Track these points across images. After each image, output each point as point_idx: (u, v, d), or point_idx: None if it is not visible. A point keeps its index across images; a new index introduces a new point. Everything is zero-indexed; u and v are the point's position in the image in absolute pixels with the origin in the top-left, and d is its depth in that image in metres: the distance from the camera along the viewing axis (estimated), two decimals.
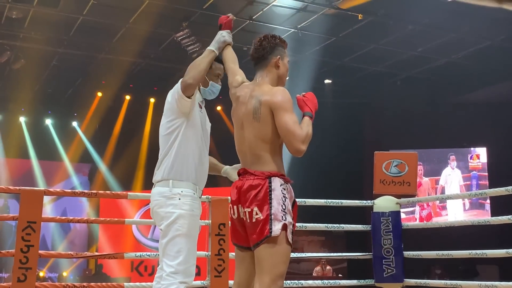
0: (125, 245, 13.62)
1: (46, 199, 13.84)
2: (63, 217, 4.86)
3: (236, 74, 3.33)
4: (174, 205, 3.13)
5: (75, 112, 14.84)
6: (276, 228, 2.82)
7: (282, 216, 2.85)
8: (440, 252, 5.38)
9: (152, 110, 14.12)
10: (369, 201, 5.84)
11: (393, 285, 5.63)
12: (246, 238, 2.92)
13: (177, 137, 3.22)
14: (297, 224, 5.18)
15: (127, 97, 14.32)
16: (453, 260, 6.26)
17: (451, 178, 13.12)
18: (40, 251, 4.53)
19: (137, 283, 4.88)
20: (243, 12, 10.13)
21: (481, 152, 13.20)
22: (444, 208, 12.77)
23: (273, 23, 10.52)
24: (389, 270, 5.57)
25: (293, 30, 10.72)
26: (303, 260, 12.64)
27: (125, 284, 4.85)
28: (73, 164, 14.91)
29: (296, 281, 5.72)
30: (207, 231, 5.12)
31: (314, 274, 11.75)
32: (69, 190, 4.92)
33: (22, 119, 14.50)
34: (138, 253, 5.15)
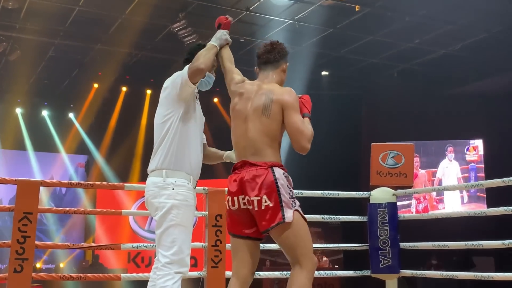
0: (122, 236, 13.65)
1: (43, 191, 13.91)
2: (60, 208, 4.85)
3: (234, 73, 3.50)
4: (168, 195, 3.14)
5: (71, 103, 14.80)
6: (289, 215, 3.01)
7: (291, 203, 3.06)
8: (437, 243, 5.39)
9: (149, 102, 14.10)
10: (365, 192, 5.85)
11: (389, 276, 5.65)
12: (244, 227, 3.06)
13: (172, 127, 3.21)
14: None
15: (124, 89, 14.30)
16: (449, 252, 6.31)
17: (449, 170, 13.10)
18: (36, 242, 4.53)
19: (134, 274, 4.89)
20: (240, 3, 10.11)
21: (478, 144, 13.21)
22: (441, 201, 12.75)
23: (270, 14, 10.50)
24: (385, 261, 5.59)
25: (290, 21, 10.69)
26: None
27: (122, 275, 4.86)
28: (69, 156, 14.90)
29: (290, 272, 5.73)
30: (204, 222, 5.13)
31: None
32: (66, 181, 4.91)
33: (18, 111, 14.46)
34: (135, 244, 5.16)
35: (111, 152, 14.50)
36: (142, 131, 14.35)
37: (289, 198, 3.05)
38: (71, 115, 14.95)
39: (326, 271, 5.98)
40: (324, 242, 12.34)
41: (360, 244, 5.90)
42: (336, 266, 11.86)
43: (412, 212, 12.77)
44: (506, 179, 4.59)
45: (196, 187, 3.39)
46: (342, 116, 13.40)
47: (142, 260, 13.46)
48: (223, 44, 3.51)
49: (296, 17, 10.55)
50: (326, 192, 5.74)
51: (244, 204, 3.01)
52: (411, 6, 9.99)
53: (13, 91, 13.55)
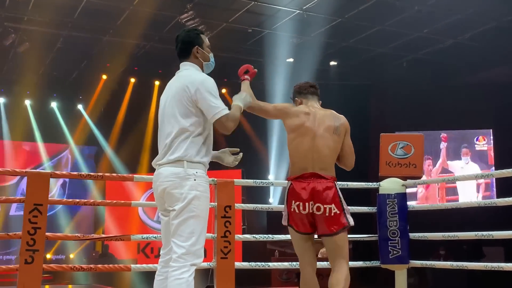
0: (131, 227, 13.72)
1: (52, 182, 13.97)
2: (70, 200, 4.87)
3: (271, 104, 4.04)
4: (190, 186, 3.11)
5: (80, 95, 14.85)
6: (351, 219, 3.74)
7: (348, 210, 3.75)
8: (446, 234, 5.38)
9: (157, 93, 14.10)
10: (375, 183, 5.83)
11: (399, 266, 5.64)
12: (310, 227, 3.66)
13: (196, 121, 3.19)
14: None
15: (132, 80, 14.32)
16: (458, 242, 6.29)
17: (464, 172, 12.80)
18: (47, 233, 4.55)
19: (144, 265, 4.91)
20: None
21: (487, 134, 13.13)
22: (455, 193, 12.65)
23: (278, 4, 10.45)
24: (394, 252, 5.58)
25: (298, 11, 10.64)
26: None
27: (132, 266, 4.88)
28: (78, 147, 14.96)
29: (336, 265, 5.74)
30: (213, 213, 5.14)
31: (319, 256, 11.76)
32: (75, 173, 4.93)
33: (27, 102, 14.52)
34: (145, 235, 5.18)
35: (120, 143, 14.55)
36: (151, 122, 14.37)
37: (346, 206, 3.71)
38: (80, 107, 14.99)
39: None
40: None
41: (369, 235, 5.89)
42: None
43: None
44: None
45: None
46: (350, 106, 13.25)
47: (152, 251, 13.53)
48: (247, 105, 3.59)
49: (304, 7, 10.49)
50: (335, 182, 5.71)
51: (314, 209, 3.57)
52: None
53: (22, 83, 13.59)
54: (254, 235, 5.60)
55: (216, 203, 5.08)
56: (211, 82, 3.26)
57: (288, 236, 5.99)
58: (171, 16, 10.86)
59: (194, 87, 3.18)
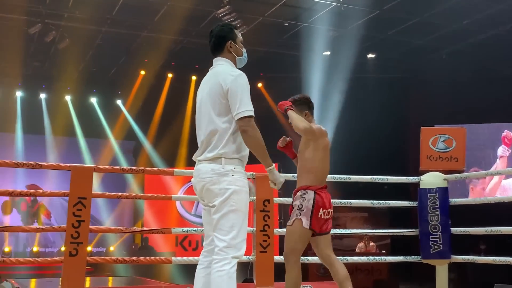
0: (170, 220, 13.88)
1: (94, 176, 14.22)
2: (113, 193, 4.95)
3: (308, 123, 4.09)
4: (229, 182, 3.16)
5: (119, 90, 15.07)
6: None
7: None
8: (489, 228, 5.28)
9: (194, 88, 14.20)
10: (415, 177, 5.76)
11: (440, 262, 5.57)
12: (322, 228, 4.06)
13: (229, 117, 3.20)
14: (342, 201, 5.34)
15: (169, 75, 14.45)
16: (498, 237, 6.16)
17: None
18: (90, 226, 4.63)
19: (184, 258, 4.96)
20: None
21: None
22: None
23: None
24: (436, 247, 5.51)
25: (335, 3, 10.55)
26: (346, 236, 12.63)
27: (173, 258, 4.94)
28: (118, 142, 15.19)
29: (341, 257, 5.72)
30: (252, 207, 5.15)
31: (357, 250, 11.72)
32: (118, 167, 5.00)
33: (68, 98, 14.81)
34: (185, 229, 5.23)
35: (158, 138, 14.73)
36: (188, 117, 14.49)
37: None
38: (118, 102, 15.22)
39: (375, 257, 5.94)
40: (371, 227, 12.26)
41: (410, 230, 5.83)
42: (383, 251, 11.76)
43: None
44: None
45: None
46: (390, 99, 13.19)
47: (189, 244, 13.67)
48: (275, 177, 3.45)
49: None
50: (375, 177, 5.66)
51: (330, 214, 4.11)
52: None
53: (62, 79, 13.87)
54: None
55: (255, 197, 5.09)
56: (243, 79, 3.25)
57: (346, 230, 5.99)
58: (208, 11, 10.91)
59: (227, 83, 3.20)
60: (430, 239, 5.53)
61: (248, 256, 5.02)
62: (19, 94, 14.46)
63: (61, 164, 4.74)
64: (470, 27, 11.37)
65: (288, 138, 4.27)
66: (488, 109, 12.62)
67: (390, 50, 12.90)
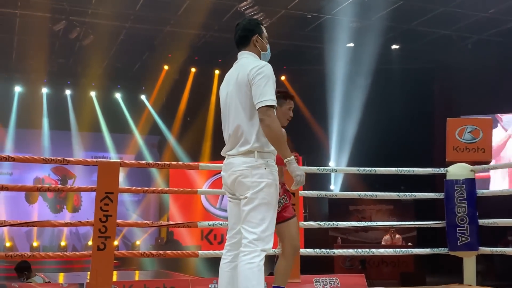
0: (195, 214, 13.95)
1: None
2: (139, 188, 5.00)
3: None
4: (261, 174, 3.16)
5: (143, 85, 15.17)
6: None
7: None
8: None
9: (217, 82, 14.23)
10: (442, 168, 5.70)
11: (468, 253, 5.51)
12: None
13: None
14: (367, 193, 5.28)
15: (193, 70, 14.49)
16: None
17: None
18: (118, 221, 4.68)
19: (211, 251, 4.98)
20: None
21: None
22: None
23: None
24: (463, 239, 5.45)
25: None
26: (371, 229, 12.58)
27: (200, 252, 4.97)
28: (142, 137, 15.30)
29: (367, 249, 5.70)
30: None
31: (383, 243, 11.67)
32: (144, 162, 5.04)
33: (92, 94, 14.96)
34: (211, 222, 5.26)
35: (182, 132, 14.81)
36: (212, 111, 14.53)
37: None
38: (143, 97, 15.33)
39: (402, 249, 5.91)
40: (396, 220, 12.19)
41: (437, 222, 5.77)
42: (409, 244, 11.69)
43: None
44: None
45: None
46: (414, 91, 13.07)
47: (215, 237, 13.74)
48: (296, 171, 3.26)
49: None
50: (400, 169, 5.62)
51: None
52: None
53: (87, 75, 14.01)
54: (319, 222, 5.58)
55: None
56: (268, 69, 3.23)
57: (350, 223, 5.96)
58: (230, 5, 10.90)
59: (253, 73, 3.19)
60: (458, 231, 5.47)
61: (274, 249, 5.02)
62: (45, 90, 14.65)
63: (88, 160, 4.79)
64: (495, 16, 11.20)
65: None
66: None
67: (414, 41, 12.76)
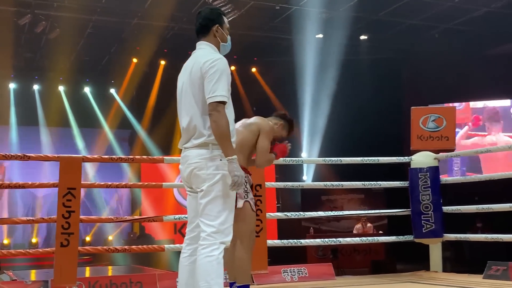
0: (167, 208, 13.87)
1: (89, 166, 14.25)
2: (102, 183, 4.95)
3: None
4: (216, 166, 3.12)
5: (112, 79, 15.00)
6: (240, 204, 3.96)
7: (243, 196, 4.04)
8: (480, 206, 5.30)
9: None
10: (406, 157, 5.76)
11: (433, 240, 5.59)
12: None
13: None
14: (334, 183, 5.31)
15: (162, 62, 14.38)
16: (496, 214, 6.14)
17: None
18: (81, 217, 4.63)
19: (178, 245, 4.97)
20: None
21: None
22: None
23: None
24: (428, 226, 5.53)
25: None
26: (343, 218, 12.68)
27: (166, 246, 4.95)
28: (112, 131, 15.15)
29: (334, 239, 5.74)
30: None
31: (354, 232, 11.77)
32: (107, 156, 4.99)
33: (61, 88, 14.75)
34: (177, 216, 5.24)
35: (153, 126, 14.69)
36: None
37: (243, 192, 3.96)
38: (112, 91, 15.16)
39: (368, 237, 5.96)
40: (367, 208, 12.29)
41: (402, 210, 5.84)
42: (380, 232, 11.80)
43: None
44: None
45: None
46: (383, 81, 13.16)
47: None
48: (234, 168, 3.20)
49: None
50: (365, 158, 5.67)
51: None
52: None
53: (55, 69, 13.80)
54: (286, 213, 5.60)
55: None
56: (223, 63, 3.19)
57: (321, 213, 5.97)
58: None
59: (206, 67, 3.16)
60: (422, 219, 5.55)
61: None
62: (12, 86, 14.40)
63: (49, 155, 4.73)
64: (462, 5, 11.31)
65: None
66: (482, 87, 12.60)
67: (382, 31, 12.84)
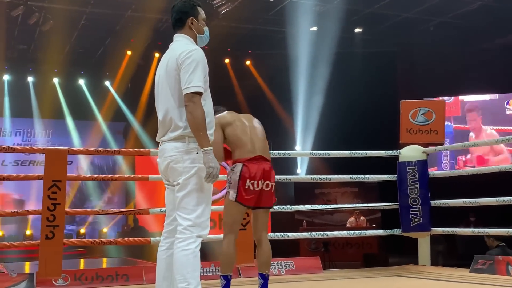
0: (161, 200, 13.82)
1: (83, 158, 14.24)
2: (88, 175, 4.94)
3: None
4: (193, 159, 3.10)
5: (106, 71, 14.95)
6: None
7: None
8: (468, 200, 5.29)
9: None
10: (394, 151, 5.75)
11: (421, 234, 5.59)
12: (255, 203, 3.87)
13: None
14: (321, 176, 5.32)
15: (156, 55, 14.31)
16: (489, 208, 6.14)
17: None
18: (66, 209, 4.62)
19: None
20: None
21: None
22: None
23: None
24: (416, 219, 5.53)
25: None
26: (337, 211, 12.69)
27: (152, 239, 4.94)
28: (107, 123, 15.12)
29: (321, 232, 5.74)
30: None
31: (347, 225, 11.78)
32: (92, 149, 4.97)
33: (55, 80, 14.71)
34: (163, 209, 5.21)
35: (147, 118, 14.64)
36: None
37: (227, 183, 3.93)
38: (107, 83, 15.12)
39: (356, 231, 5.96)
40: (360, 202, 12.30)
41: (390, 203, 5.84)
42: (373, 226, 11.82)
43: None
44: None
45: None
46: (377, 74, 13.13)
47: None
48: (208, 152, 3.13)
49: None
50: (353, 152, 5.66)
51: (263, 186, 3.87)
52: None
53: (49, 61, 13.74)
54: (277, 206, 5.59)
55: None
56: (198, 54, 3.15)
57: (309, 206, 5.97)
58: None
59: (182, 58, 3.13)
60: (410, 212, 5.55)
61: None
62: (6, 77, 14.36)
63: (35, 147, 4.71)
64: None
65: None
66: (477, 81, 12.58)
67: (376, 24, 12.81)
